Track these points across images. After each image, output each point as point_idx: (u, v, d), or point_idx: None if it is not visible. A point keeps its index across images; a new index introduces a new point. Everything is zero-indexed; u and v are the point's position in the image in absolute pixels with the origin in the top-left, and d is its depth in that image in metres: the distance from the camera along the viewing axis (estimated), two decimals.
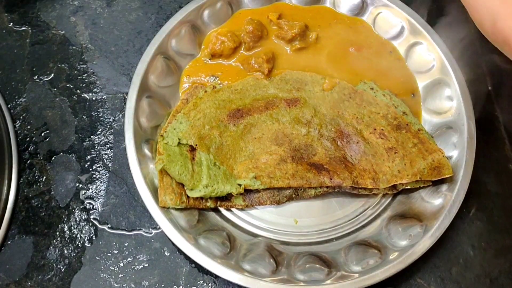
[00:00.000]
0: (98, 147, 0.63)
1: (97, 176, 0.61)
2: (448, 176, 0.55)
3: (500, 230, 0.60)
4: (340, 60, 0.66)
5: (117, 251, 0.57)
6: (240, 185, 0.55)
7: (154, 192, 0.54)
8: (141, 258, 0.56)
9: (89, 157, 0.62)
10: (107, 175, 0.61)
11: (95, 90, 0.66)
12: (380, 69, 0.65)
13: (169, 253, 0.57)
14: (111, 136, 0.63)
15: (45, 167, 0.61)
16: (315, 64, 0.65)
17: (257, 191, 0.57)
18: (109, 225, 0.58)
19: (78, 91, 0.66)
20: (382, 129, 0.59)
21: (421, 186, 0.57)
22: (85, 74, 0.67)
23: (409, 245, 0.51)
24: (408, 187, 0.57)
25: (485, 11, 0.43)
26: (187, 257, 0.55)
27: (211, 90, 0.62)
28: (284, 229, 0.57)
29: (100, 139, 0.63)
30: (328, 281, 0.49)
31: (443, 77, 0.62)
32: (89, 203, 0.59)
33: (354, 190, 0.58)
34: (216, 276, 0.55)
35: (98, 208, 0.59)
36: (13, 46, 0.69)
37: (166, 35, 0.62)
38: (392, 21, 0.67)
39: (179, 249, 0.54)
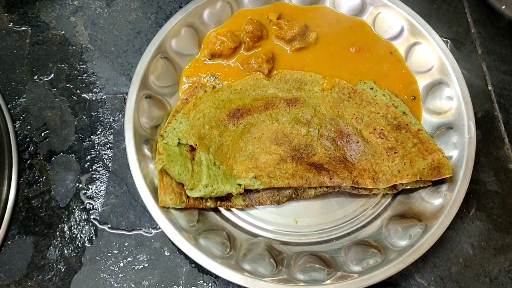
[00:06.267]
0: (98, 147, 0.63)
1: (97, 176, 0.61)
2: (448, 176, 0.55)
3: (499, 229, 0.60)
4: (340, 60, 0.66)
5: (117, 251, 0.57)
6: (240, 185, 0.55)
7: (154, 192, 0.54)
8: (141, 258, 0.56)
9: (89, 157, 0.62)
10: (107, 175, 0.61)
11: (95, 90, 0.66)
12: (380, 70, 0.65)
13: (169, 253, 0.57)
14: (111, 136, 0.63)
15: (45, 167, 0.61)
16: (315, 64, 0.65)
17: (257, 191, 0.57)
18: (109, 225, 0.58)
19: (78, 91, 0.66)
20: (382, 129, 0.59)
21: (421, 186, 0.57)
22: (85, 74, 0.67)
23: (409, 245, 0.51)
24: (408, 187, 0.57)
25: None
26: (187, 257, 0.55)
27: (211, 90, 0.62)
28: (284, 229, 0.57)
29: (100, 139, 0.63)
30: (328, 281, 0.49)
31: (443, 77, 0.62)
32: (89, 203, 0.59)
33: (354, 190, 0.58)
34: (216, 276, 0.55)
35: (98, 208, 0.59)
36: (13, 46, 0.69)
37: (166, 35, 0.62)
38: (392, 21, 0.67)
39: (179, 249, 0.54)
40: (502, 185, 0.62)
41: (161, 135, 0.57)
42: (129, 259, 0.56)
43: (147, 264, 0.56)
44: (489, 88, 0.69)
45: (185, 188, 0.54)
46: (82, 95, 0.66)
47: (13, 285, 0.55)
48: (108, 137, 0.63)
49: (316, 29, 0.67)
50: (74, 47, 0.69)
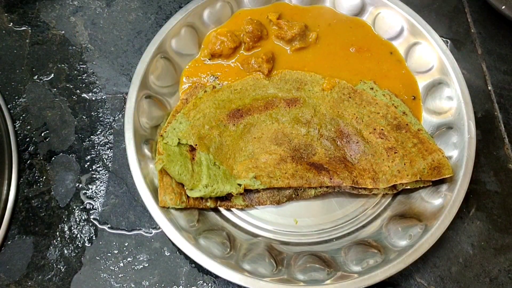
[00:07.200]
0: (98, 147, 0.63)
1: (97, 176, 0.61)
2: (448, 176, 0.55)
3: (499, 229, 0.60)
4: (340, 60, 0.66)
5: (117, 251, 0.57)
6: (240, 185, 0.55)
7: (154, 192, 0.54)
8: (141, 258, 0.56)
9: (89, 157, 0.62)
10: (107, 175, 0.61)
11: (95, 90, 0.66)
12: (380, 71, 0.65)
13: (169, 253, 0.57)
14: (111, 136, 0.63)
15: (45, 167, 0.61)
16: (315, 64, 0.65)
17: (257, 191, 0.57)
18: (109, 225, 0.58)
19: (78, 91, 0.66)
20: (382, 129, 0.59)
21: (421, 186, 0.57)
22: (85, 74, 0.67)
23: (409, 245, 0.51)
24: (408, 187, 0.57)
25: None
26: (187, 257, 0.55)
27: (211, 90, 0.62)
28: (284, 229, 0.57)
29: (100, 139, 0.63)
30: (328, 281, 0.49)
31: (443, 77, 0.62)
32: (89, 203, 0.59)
33: (354, 190, 0.58)
34: (216, 276, 0.55)
35: (98, 208, 0.59)
36: (13, 46, 0.69)
37: (165, 35, 0.62)
38: (391, 21, 0.67)
39: (179, 249, 0.54)
40: (502, 185, 0.62)
41: (161, 135, 0.57)
42: (129, 259, 0.56)
43: (147, 264, 0.56)
44: (489, 88, 0.69)
45: (185, 188, 0.54)
46: (82, 95, 0.66)
47: (13, 285, 0.55)
48: (108, 137, 0.63)
49: (316, 29, 0.67)
50: (74, 47, 0.69)
